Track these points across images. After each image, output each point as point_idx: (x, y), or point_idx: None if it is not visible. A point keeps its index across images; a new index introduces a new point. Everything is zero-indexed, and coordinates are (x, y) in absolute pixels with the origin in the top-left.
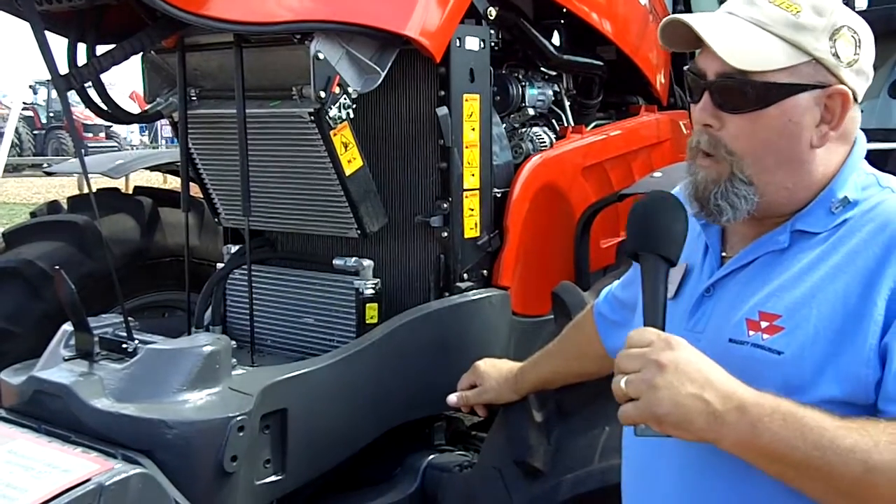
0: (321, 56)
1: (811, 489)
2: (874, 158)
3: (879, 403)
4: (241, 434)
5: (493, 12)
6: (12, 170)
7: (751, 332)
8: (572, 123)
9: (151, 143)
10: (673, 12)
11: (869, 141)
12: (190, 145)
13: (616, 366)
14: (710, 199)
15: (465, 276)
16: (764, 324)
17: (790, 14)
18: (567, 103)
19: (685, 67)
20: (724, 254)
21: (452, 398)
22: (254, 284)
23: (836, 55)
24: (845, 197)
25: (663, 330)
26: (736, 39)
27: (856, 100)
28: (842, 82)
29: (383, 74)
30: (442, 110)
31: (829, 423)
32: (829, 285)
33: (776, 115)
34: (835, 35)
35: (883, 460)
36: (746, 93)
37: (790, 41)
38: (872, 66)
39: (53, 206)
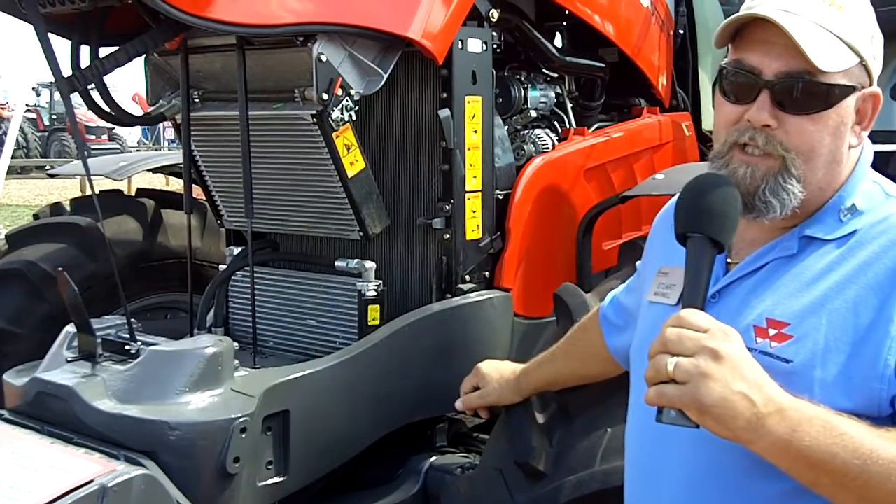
0: (324, 58)
1: (843, 499)
2: (876, 160)
3: None
4: (243, 435)
5: (495, 14)
6: (16, 171)
7: (758, 340)
8: (574, 125)
9: (154, 145)
10: (675, 14)
11: (871, 143)
12: (193, 147)
13: (661, 343)
14: (756, 195)
15: (467, 277)
16: (772, 331)
17: (843, 15)
18: (569, 105)
19: (723, 62)
20: (728, 259)
21: (459, 404)
22: (256, 286)
23: (874, 57)
24: (853, 205)
25: None
26: (810, 39)
27: None
28: (871, 83)
29: (385, 76)
30: (444, 112)
31: (866, 433)
32: (838, 295)
33: (834, 117)
34: (873, 38)
35: None
36: (812, 94)
37: (848, 43)
38: None
39: (56, 207)
